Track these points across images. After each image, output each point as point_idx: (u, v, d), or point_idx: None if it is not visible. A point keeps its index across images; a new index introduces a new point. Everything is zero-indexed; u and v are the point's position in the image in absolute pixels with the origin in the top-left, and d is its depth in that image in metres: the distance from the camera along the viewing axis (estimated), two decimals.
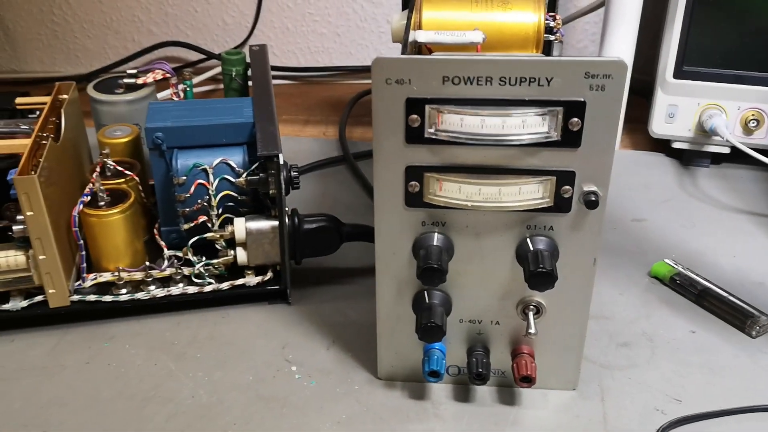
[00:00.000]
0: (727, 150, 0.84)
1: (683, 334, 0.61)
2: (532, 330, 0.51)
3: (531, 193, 0.49)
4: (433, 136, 0.47)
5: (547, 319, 0.53)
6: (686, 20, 0.79)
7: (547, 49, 0.60)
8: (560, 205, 0.48)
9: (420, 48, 0.54)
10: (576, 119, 0.46)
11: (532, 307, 0.52)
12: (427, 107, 0.46)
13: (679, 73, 0.82)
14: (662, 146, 0.89)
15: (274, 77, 1.14)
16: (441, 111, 0.46)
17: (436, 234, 0.50)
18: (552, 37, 0.58)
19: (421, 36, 0.53)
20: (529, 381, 0.53)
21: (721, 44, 0.80)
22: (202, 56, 1.15)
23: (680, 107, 0.83)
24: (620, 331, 0.61)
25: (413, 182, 0.49)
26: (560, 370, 0.55)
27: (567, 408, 0.54)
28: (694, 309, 0.64)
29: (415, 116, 0.46)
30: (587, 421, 0.53)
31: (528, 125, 0.46)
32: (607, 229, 0.74)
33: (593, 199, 0.48)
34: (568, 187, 0.48)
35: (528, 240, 0.50)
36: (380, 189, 0.49)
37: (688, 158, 0.87)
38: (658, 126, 0.85)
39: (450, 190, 0.49)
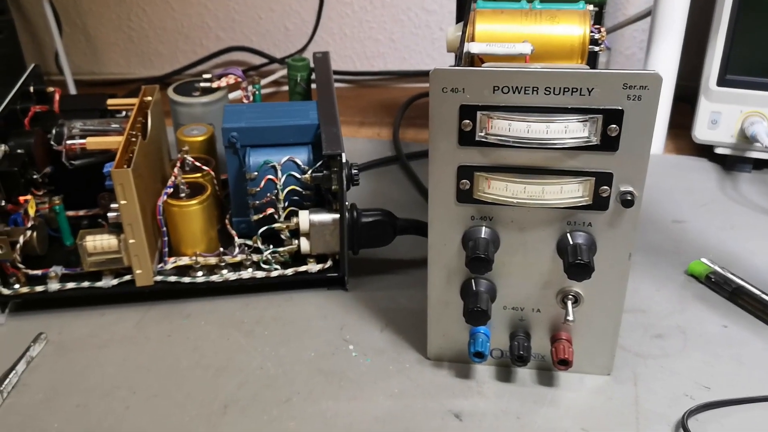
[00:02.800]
0: None
1: (715, 328, 0.65)
2: (570, 317, 0.56)
3: (572, 192, 0.53)
4: (483, 140, 0.51)
5: (584, 307, 0.57)
6: (730, 31, 0.82)
7: (592, 59, 0.64)
8: (598, 203, 0.52)
9: (473, 58, 0.59)
10: (614, 126, 0.50)
11: (570, 296, 0.56)
12: (479, 113, 0.51)
13: (722, 82, 0.85)
14: (705, 151, 0.92)
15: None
16: (491, 117, 0.51)
17: (483, 227, 0.55)
18: (597, 48, 0.62)
19: (474, 47, 0.57)
20: (566, 364, 0.57)
21: (763, 54, 0.83)
22: (266, 60, 1.21)
23: (723, 114, 0.86)
24: (655, 323, 0.65)
25: (464, 180, 0.53)
26: (596, 356, 0.59)
27: (601, 391, 0.58)
28: (728, 306, 0.67)
29: (467, 121, 0.51)
30: (620, 403, 0.57)
31: (570, 130, 0.50)
32: (648, 229, 0.78)
33: (629, 198, 0.52)
34: (606, 187, 0.52)
35: (568, 235, 0.54)
36: (434, 186, 0.54)
37: (731, 163, 0.90)
38: (701, 132, 0.88)
39: (497, 188, 0.53)
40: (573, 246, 0.53)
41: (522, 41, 0.57)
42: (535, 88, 0.50)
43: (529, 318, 0.59)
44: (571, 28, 0.60)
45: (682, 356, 0.62)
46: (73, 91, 1.12)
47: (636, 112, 0.49)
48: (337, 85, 1.19)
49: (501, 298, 0.58)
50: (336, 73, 1.20)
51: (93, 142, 0.67)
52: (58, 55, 1.12)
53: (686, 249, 0.75)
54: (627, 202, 0.52)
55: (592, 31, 0.60)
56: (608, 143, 0.50)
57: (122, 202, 0.61)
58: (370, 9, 1.17)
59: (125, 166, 0.61)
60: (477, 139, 0.52)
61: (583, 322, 0.58)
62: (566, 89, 0.49)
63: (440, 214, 0.55)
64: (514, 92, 0.50)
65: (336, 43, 1.21)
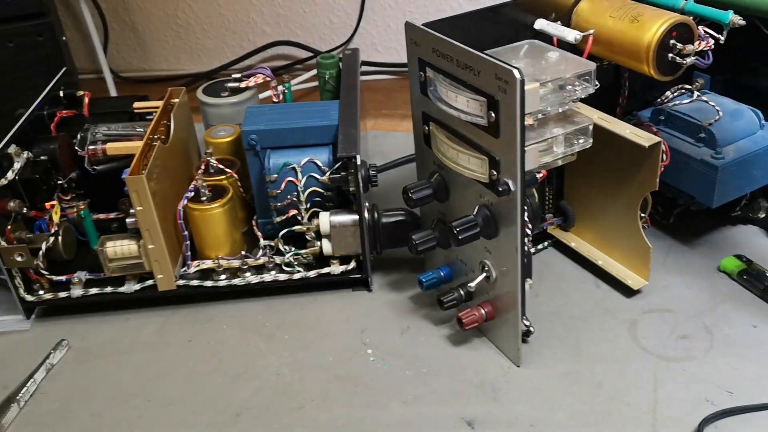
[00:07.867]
0: None
1: (744, 328, 0.62)
2: (472, 284, 0.58)
3: (475, 165, 0.54)
4: (428, 94, 0.57)
5: (496, 285, 0.59)
6: None
7: (686, 72, 0.62)
8: (492, 185, 0.53)
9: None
10: (491, 112, 0.50)
11: (485, 267, 0.59)
12: (427, 69, 0.55)
13: None
14: None
15: (377, 72, 1.19)
16: (435, 75, 0.55)
17: (436, 174, 0.61)
18: (680, 61, 0.59)
19: (537, 23, 0.63)
20: (459, 323, 0.60)
21: None
22: (311, 54, 1.22)
23: None
24: (682, 323, 0.63)
25: (425, 126, 0.59)
26: (505, 341, 0.61)
27: (619, 396, 0.57)
28: (760, 304, 0.64)
29: (421, 73, 0.57)
30: (637, 409, 0.55)
31: (470, 106, 0.52)
32: (680, 224, 0.74)
33: (501, 189, 0.52)
34: (494, 171, 0.53)
35: (476, 206, 0.56)
36: (416, 125, 0.61)
37: None
38: None
39: (438, 142, 0.58)
40: (464, 216, 0.56)
41: (589, 30, 0.62)
42: (450, 57, 0.52)
43: (472, 278, 0.60)
44: (642, 33, 0.59)
45: (707, 359, 0.59)
46: (112, 89, 1.15)
47: (506, 105, 0.49)
48: (381, 77, 1.20)
49: (455, 250, 0.61)
50: (380, 65, 1.20)
51: (113, 148, 0.69)
52: (100, 54, 1.14)
53: (720, 244, 0.72)
54: (498, 191, 0.52)
55: (673, 42, 0.58)
56: (492, 128, 0.51)
57: (138, 208, 0.62)
58: (413, 0, 1.15)
59: (141, 173, 0.62)
60: (428, 91, 0.57)
61: (496, 299, 0.60)
62: (467, 65, 0.51)
63: (418, 153, 0.61)
64: (443, 57, 0.53)
65: (380, 35, 1.20)
